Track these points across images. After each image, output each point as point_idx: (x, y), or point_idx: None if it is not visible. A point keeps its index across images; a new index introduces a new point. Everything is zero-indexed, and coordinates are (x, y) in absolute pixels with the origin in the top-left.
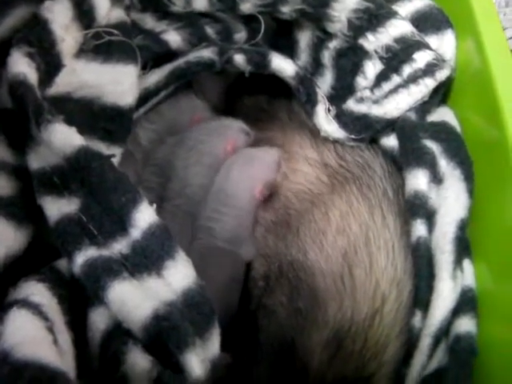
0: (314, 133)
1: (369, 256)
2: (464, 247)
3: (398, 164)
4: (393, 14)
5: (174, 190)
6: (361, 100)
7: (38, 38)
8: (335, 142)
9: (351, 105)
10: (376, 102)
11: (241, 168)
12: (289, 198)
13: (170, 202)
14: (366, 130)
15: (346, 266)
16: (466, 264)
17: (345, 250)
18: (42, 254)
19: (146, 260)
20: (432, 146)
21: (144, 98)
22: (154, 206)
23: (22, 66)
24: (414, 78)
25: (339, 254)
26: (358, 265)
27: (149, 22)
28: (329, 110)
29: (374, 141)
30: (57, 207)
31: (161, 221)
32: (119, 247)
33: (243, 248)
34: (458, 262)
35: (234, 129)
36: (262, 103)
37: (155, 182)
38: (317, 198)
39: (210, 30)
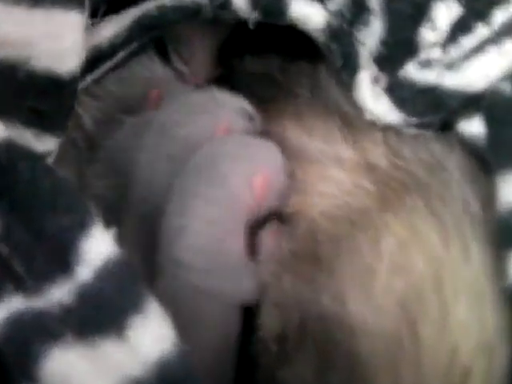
0: (349, 118)
1: (441, 307)
2: None
3: (486, 163)
4: None
5: (136, 199)
6: (427, 64)
7: None
8: (386, 129)
9: (412, 71)
10: (451, 66)
11: (236, 147)
12: (315, 218)
13: (130, 219)
14: (435, 109)
15: (405, 321)
16: None
17: (404, 297)
18: None
19: (100, 314)
20: None
21: (93, 60)
22: (113, 231)
23: None
24: (510, 29)
25: (395, 304)
26: (423, 320)
27: None
28: (377, 79)
29: (447, 127)
30: None
31: (122, 253)
32: (59, 295)
33: (234, 282)
34: None
35: (230, 108)
36: (273, 70)
37: (106, 185)
38: (360, 216)
39: None
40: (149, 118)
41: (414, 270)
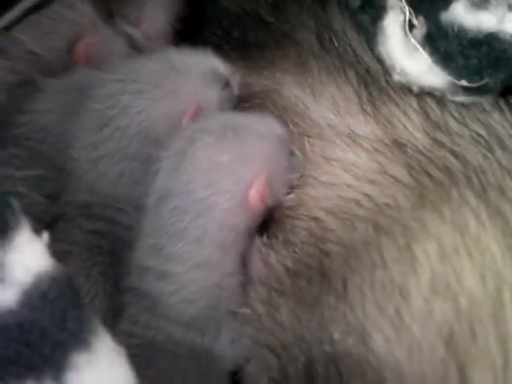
0: (371, 76)
1: (502, 343)
2: None
3: None
4: None
5: (78, 203)
6: (482, 2)
7: None
8: (423, 94)
9: (461, 13)
10: None
11: (218, 147)
12: (320, 217)
13: (70, 226)
14: (495, 67)
15: (451, 362)
16: None
17: (450, 329)
18: None
19: (30, 351)
20: None
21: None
22: (45, 236)
23: None
24: None
25: (437, 339)
26: (477, 360)
27: None
28: (411, 24)
29: (509, 91)
30: None
31: (59, 269)
32: None
33: (223, 337)
34: None
35: (196, 76)
36: (261, 9)
37: (27, 178)
38: (386, 215)
39: None
40: (78, 82)
41: (463, 291)
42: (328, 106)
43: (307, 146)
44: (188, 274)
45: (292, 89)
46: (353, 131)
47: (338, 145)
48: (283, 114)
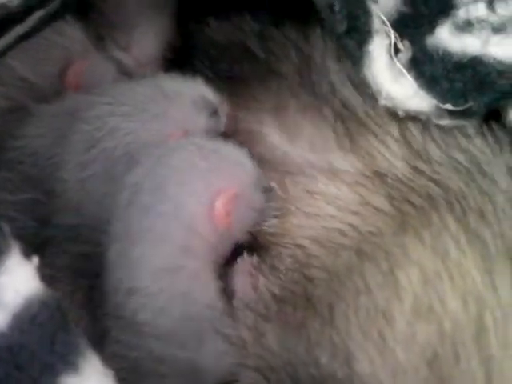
0: (348, 109)
1: (485, 365)
2: None
3: None
4: None
5: (65, 225)
6: (467, 26)
7: None
8: (406, 120)
9: (446, 37)
10: (498, 29)
11: (189, 160)
12: (304, 245)
13: (58, 250)
14: (479, 91)
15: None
16: None
17: (433, 352)
18: None
19: (20, 374)
20: None
21: None
22: (35, 260)
23: None
24: None
25: (421, 362)
26: (460, 383)
27: None
28: (396, 48)
29: (493, 116)
30: None
31: (49, 293)
32: None
33: (206, 349)
34: None
35: (184, 102)
36: (247, 38)
37: (19, 202)
38: (369, 242)
39: None
40: (69, 107)
41: (445, 314)
42: (305, 145)
43: (289, 182)
44: (155, 283)
45: (272, 127)
46: (333, 166)
47: (319, 180)
48: (264, 150)
